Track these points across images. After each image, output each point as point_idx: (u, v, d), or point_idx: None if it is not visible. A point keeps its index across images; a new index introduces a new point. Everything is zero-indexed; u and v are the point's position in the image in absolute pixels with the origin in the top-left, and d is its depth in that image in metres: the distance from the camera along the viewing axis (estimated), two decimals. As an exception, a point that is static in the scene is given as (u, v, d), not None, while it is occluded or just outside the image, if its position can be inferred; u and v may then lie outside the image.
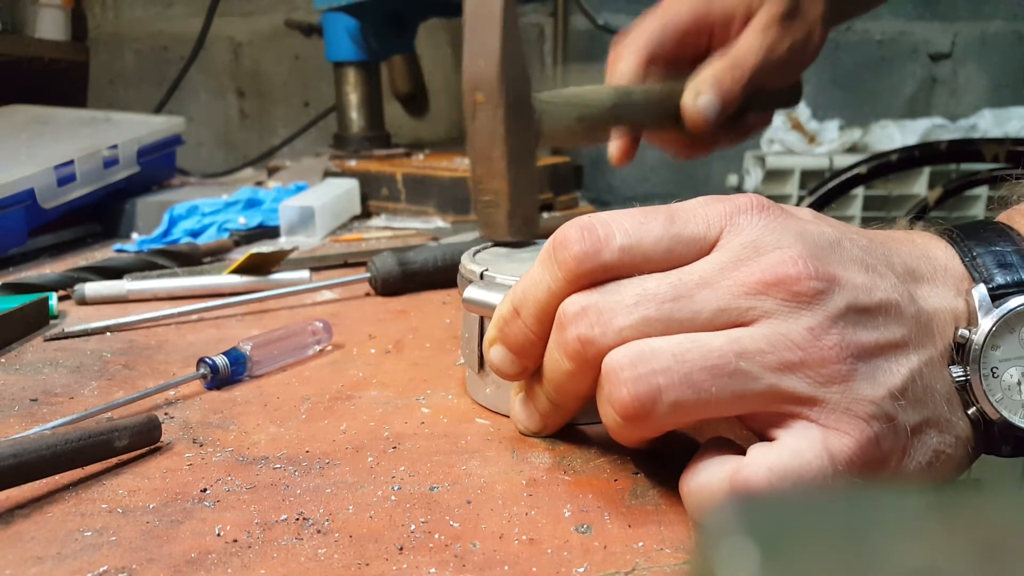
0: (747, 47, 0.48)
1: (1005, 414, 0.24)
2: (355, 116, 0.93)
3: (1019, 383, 0.24)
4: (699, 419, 0.24)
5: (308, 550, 0.23)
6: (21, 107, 0.88)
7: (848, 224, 0.26)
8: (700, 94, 0.46)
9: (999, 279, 0.25)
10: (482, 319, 0.32)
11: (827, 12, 0.51)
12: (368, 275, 0.52)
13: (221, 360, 0.36)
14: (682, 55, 0.50)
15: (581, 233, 0.25)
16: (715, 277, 0.24)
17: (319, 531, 0.24)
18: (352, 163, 0.87)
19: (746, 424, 0.24)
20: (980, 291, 0.25)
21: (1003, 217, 0.27)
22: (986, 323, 0.24)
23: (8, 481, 0.25)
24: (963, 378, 0.24)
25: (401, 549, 0.23)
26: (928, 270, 0.26)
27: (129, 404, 0.33)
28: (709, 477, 0.23)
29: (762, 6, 0.49)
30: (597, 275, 0.25)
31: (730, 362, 0.22)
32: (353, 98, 0.93)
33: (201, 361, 0.36)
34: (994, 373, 0.24)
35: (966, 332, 0.24)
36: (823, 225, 0.25)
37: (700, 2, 0.49)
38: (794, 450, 0.22)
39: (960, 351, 0.25)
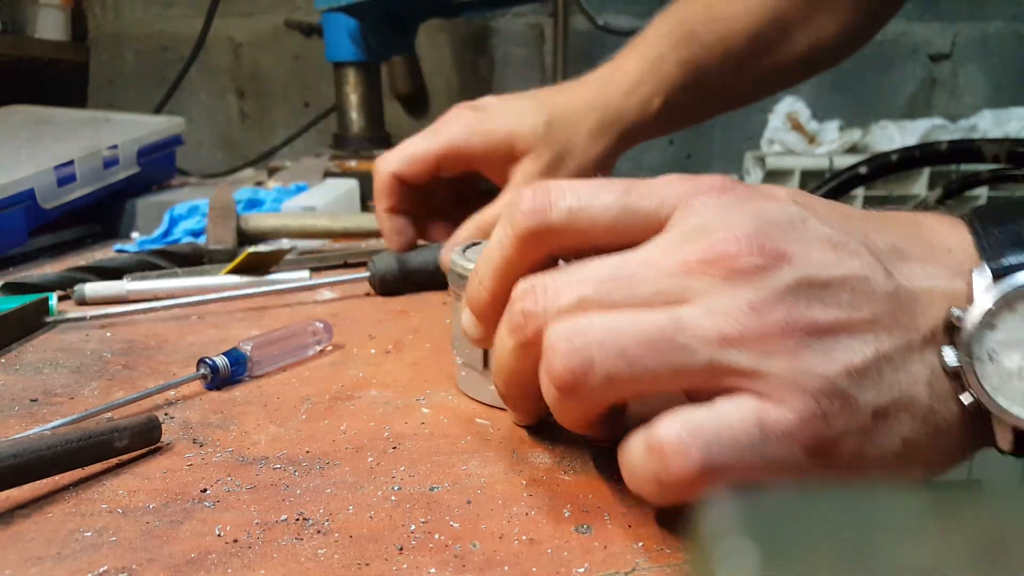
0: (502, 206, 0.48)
1: (1002, 403, 0.22)
2: (355, 116, 0.93)
3: (1021, 368, 0.22)
4: (638, 393, 0.23)
5: (308, 550, 0.23)
6: (21, 107, 0.88)
7: (840, 205, 0.26)
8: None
9: (1009, 258, 0.23)
10: None
11: (613, 145, 0.52)
12: (368, 275, 0.52)
13: (221, 360, 0.36)
14: (439, 184, 0.51)
15: (534, 193, 0.25)
16: (657, 258, 0.23)
17: (319, 531, 0.24)
18: (352, 163, 0.87)
19: (692, 400, 0.23)
20: (982, 270, 0.23)
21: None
22: (983, 302, 0.22)
23: (8, 481, 0.25)
24: (955, 362, 0.22)
25: (401, 549, 0.23)
26: (921, 250, 0.24)
27: (129, 404, 0.33)
28: (632, 445, 0.23)
29: (525, 156, 0.49)
30: (544, 237, 0.25)
31: (666, 336, 0.22)
32: (353, 98, 0.93)
33: (201, 361, 0.36)
34: (991, 357, 0.22)
35: (960, 312, 0.22)
36: (791, 205, 0.24)
37: (460, 134, 0.49)
38: (720, 413, 0.22)
39: (953, 333, 0.23)
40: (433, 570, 0.22)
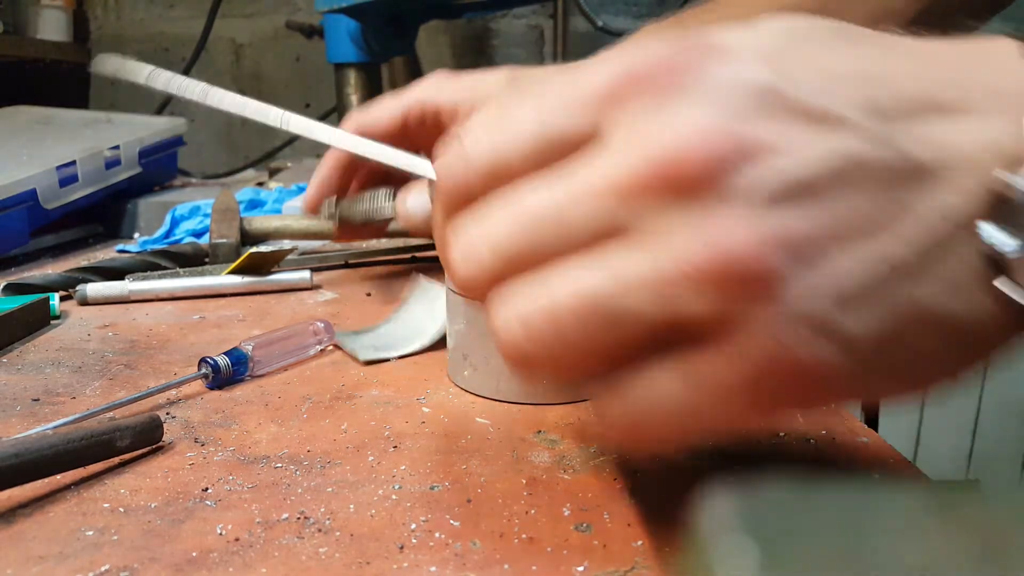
0: None
1: None
2: (356, 117, 0.93)
3: None
4: (598, 361, 0.19)
5: (309, 549, 0.23)
6: (23, 108, 0.88)
7: (857, 35, 0.19)
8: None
9: None
10: (466, 304, 0.34)
11: None
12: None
13: (223, 360, 0.36)
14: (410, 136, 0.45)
15: (447, 156, 0.21)
16: (590, 183, 0.18)
17: (320, 530, 0.24)
18: (353, 164, 0.87)
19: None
20: None
21: None
22: None
23: (10, 480, 0.25)
24: (1000, 245, 0.17)
25: (402, 548, 0.23)
26: (963, 95, 0.18)
27: (131, 404, 0.33)
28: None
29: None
30: (470, 195, 0.21)
31: (606, 299, 0.18)
32: (354, 99, 0.93)
33: (203, 361, 0.36)
34: None
35: (1007, 176, 0.17)
36: (755, 69, 0.18)
37: (428, 89, 0.45)
38: (660, 375, 0.18)
39: (998, 205, 0.17)
40: (433, 568, 0.22)
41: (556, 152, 0.20)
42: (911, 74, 0.18)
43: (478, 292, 0.21)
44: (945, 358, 0.18)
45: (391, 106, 0.45)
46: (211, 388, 0.36)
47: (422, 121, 0.44)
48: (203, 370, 0.36)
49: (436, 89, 0.45)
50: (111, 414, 0.33)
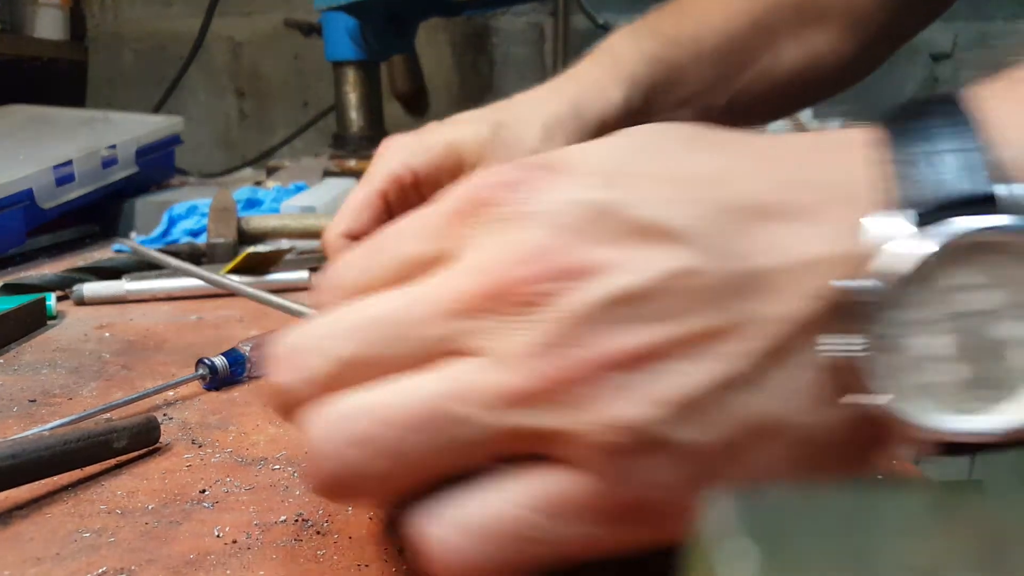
0: None
1: (901, 405, 0.16)
2: (355, 116, 0.93)
3: (932, 356, 0.16)
4: (430, 477, 0.18)
5: (307, 551, 0.23)
6: (19, 107, 0.88)
7: (703, 137, 0.19)
8: None
9: (931, 192, 0.16)
10: None
11: (573, 142, 0.41)
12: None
13: (220, 361, 0.36)
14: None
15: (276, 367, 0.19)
16: (432, 297, 0.18)
17: (318, 532, 0.24)
18: (352, 163, 0.87)
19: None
20: (877, 222, 0.16)
21: (976, 95, 0.18)
22: (884, 264, 0.16)
23: (7, 482, 0.25)
24: (838, 350, 0.16)
25: (401, 551, 0.23)
26: (802, 197, 0.17)
27: (128, 405, 0.33)
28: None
29: (475, 168, 0.39)
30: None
31: (439, 411, 0.17)
32: (353, 98, 0.93)
33: (200, 362, 0.36)
34: (891, 343, 0.16)
35: (846, 284, 0.16)
36: (593, 187, 0.18)
37: (397, 161, 0.40)
38: (496, 494, 0.17)
39: (843, 313, 0.16)
40: (432, 571, 0.22)
41: (411, 273, 0.19)
42: (754, 177, 0.18)
43: (296, 401, 0.19)
44: (800, 466, 0.18)
45: (366, 194, 0.40)
46: (209, 389, 0.36)
47: (401, 197, 0.41)
48: (200, 371, 0.35)
49: (406, 157, 0.40)
50: (108, 415, 0.33)
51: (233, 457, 0.29)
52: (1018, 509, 0.12)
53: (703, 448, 0.17)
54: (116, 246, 0.63)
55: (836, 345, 0.16)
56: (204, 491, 0.27)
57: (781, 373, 0.17)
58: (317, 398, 0.18)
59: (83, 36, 1.29)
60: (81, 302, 0.49)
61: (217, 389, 0.36)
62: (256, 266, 0.52)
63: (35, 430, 0.30)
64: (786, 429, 0.17)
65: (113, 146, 0.75)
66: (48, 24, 1.19)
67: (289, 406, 0.19)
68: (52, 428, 0.30)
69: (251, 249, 0.53)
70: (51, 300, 0.47)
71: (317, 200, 0.70)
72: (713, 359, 0.17)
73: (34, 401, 0.34)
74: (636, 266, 0.17)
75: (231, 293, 0.52)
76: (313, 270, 0.55)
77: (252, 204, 0.73)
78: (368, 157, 0.89)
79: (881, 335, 0.16)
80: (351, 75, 0.92)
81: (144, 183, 0.83)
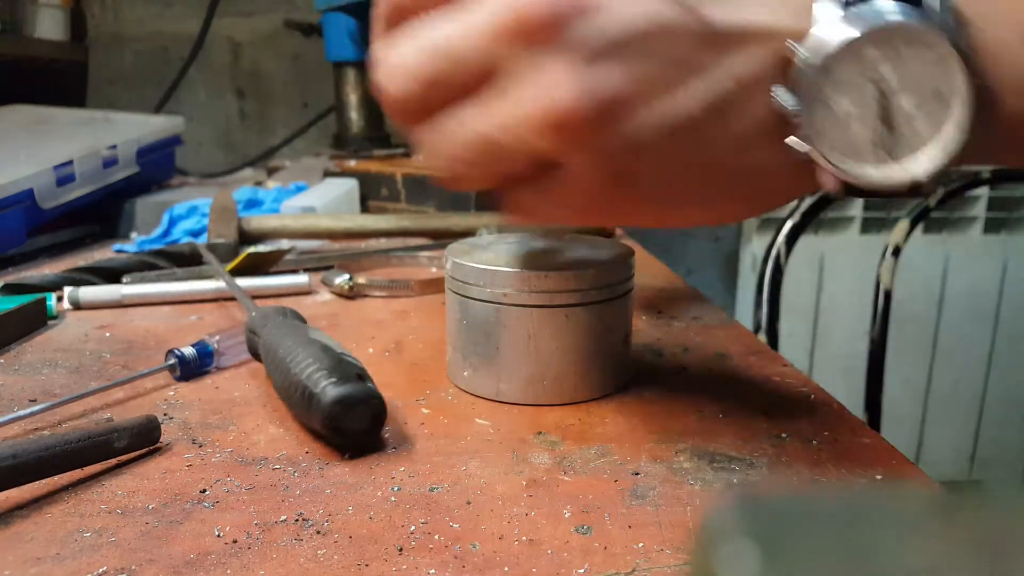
0: None
1: (827, 151, 0.22)
2: (355, 116, 0.93)
3: (849, 115, 0.22)
4: (496, 179, 0.24)
5: (308, 551, 0.23)
6: (20, 107, 0.88)
7: None
8: None
9: None
10: (466, 304, 0.34)
11: None
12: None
13: (190, 351, 0.37)
14: None
15: None
16: (473, 22, 0.22)
17: (319, 532, 0.24)
18: (352, 163, 0.87)
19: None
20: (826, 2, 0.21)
21: None
22: (825, 37, 0.21)
23: (6, 482, 0.25)
24: (787, 104, 0.21)
25: (401, 550, 0.23)
26: None
27: (98, 393, 0.34)
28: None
29: None
30: (395, 20, 0.25)
31: (487, 140, 0.22)
32: (353, 98, 0.93)
33: (170, 352, 0.37)
34: (823, 101, 0.22)
35: (794, 45, 0.21)
36: None
37: None
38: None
39: (787, 72, 0.22)
40: (433, 571, 0.22)
41: None
42: None
43: (404, 116, 0.24)
44: (737, 199, 0.24)
45: None
46: (179, 380, 0.37)
47: None
48: (170, 360, 0.36)
49: None
50: (108, 415, 0.33)
51: (233, 457, 0.29)
52: (1018, 509, 0.12)
53: (660, 177, 0.23)
54: (116, 246, 0.62)
55: (783, 98, 0.22)
56: (204, 491, 0.27)
57: (732, 120, 0.22)
58: (418, 117, 0.24)
59: (84, 37, 1.29)
60: (77, 306, 0.49)
61: (187, 379, 0.37)
62: (257, 266, 0.52)
63: (8, 417, 0.31)
64: (731, 168, 0.23)
65: (114, 146, 0.75)
66: (49, 25, 1.19)
67: (400, 118, 0.25)
68: (27, 414, 0.30)
69: (251, 249, 0.53)
70: (51, 300, 0.47)
71: (317, 200, 0.70)
72: (674, 102, 0.21)
73: (34, 401, 0.34)
74: (621, 11, 0.21)
75: (228, 297, 0.52)
76: (312, 270, 0.55)
77: (252, 204, 0.73)
78: (368, 158, 0.89)
79: (814, 94, 0.21)
80: (351, 75, 0.92)
81: (144, 183, 0.83)
